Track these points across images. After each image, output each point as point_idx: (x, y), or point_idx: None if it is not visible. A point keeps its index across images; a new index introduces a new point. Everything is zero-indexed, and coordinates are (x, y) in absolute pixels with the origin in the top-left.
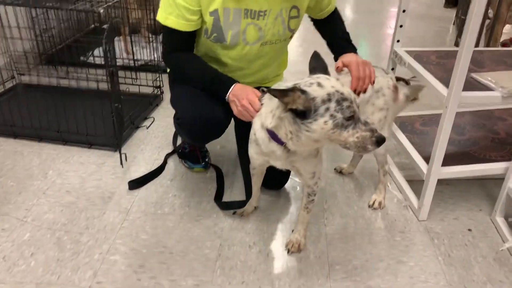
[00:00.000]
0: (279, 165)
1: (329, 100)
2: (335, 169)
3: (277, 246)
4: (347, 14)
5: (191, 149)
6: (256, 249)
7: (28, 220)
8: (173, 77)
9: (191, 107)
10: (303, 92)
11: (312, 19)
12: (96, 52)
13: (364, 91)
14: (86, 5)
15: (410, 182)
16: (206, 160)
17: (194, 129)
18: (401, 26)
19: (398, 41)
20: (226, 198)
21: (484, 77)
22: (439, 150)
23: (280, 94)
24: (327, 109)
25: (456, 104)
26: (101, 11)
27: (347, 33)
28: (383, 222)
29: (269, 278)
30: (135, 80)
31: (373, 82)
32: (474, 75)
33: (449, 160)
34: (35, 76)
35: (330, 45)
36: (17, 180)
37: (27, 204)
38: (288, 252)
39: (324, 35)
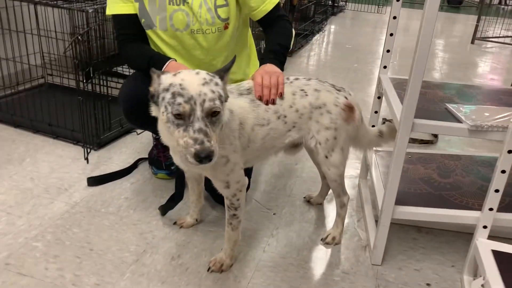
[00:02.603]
0: (178, 162)
1: (167, 90)
2: (304, 197)
3: (202, 262)
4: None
5: (158, 155)
6: (178, 261)
7: None
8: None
9: (128, 84)
10: (159, 76)
11: (258, 23)
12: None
13: (273, 102)
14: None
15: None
16: (172, 168)
17: (127, 104)
18: (388, 51)
19: (385, 67)
20: (177, 210)
21: (459, 109)
22: (392, 183)
23: (151, 73)
24: (163, 98)
25: (408, 130)
26: (90, 10)
27: (282, 45)
28: (329, 258)
29: None
30: None
31: (281, 94)
32: (449, 105)
33: (415, 200)
34: (60, 78)
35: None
36: None
37: None
38: (208, 270)
39: (265, 44)
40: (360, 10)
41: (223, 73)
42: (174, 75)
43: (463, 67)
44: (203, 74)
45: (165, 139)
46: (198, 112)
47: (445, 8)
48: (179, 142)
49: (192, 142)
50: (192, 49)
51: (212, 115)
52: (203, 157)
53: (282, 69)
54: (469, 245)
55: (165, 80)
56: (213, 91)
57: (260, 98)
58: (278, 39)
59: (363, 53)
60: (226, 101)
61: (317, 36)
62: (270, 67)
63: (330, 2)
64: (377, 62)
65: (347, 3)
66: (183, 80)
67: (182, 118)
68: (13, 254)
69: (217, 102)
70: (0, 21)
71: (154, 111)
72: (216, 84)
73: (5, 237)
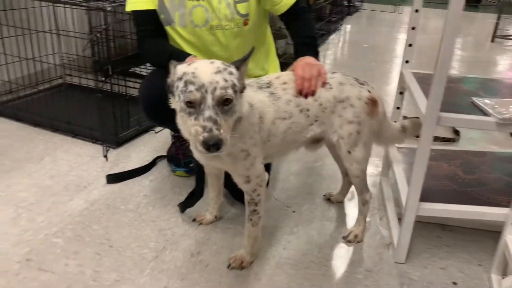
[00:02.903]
0: (198, 157)
1: (180, 79)
2: (324, 195)
3: (222, 259)
4: None
5: (176, 153)
6: (198, 258)
7: (2, 195)
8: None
9: (148, 81)
10: (176, 67)
11: (280, 18)
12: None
13: (313, 94)
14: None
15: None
16: (191, 166)
17: (146, 101)
18: (410, 45)
19: (407, 61)
20: (196, 207)
21: (485, 102)
22: (416, 179)
23: (170, 65)
24: (177, 87)
25: (433, 123)
26: (108, 8)
27: (312, 37)
28: (351, 256)
29: None
30: None
31: (324, 84)
32: (475, 99)
33: (440, 197)
34: (79, 78)
35: (294, 49)
36: (14, 161)
37: (9, 181)
38: (228, 267)
39: (291, 38)
40: (376, 10)
41: (239, 63)
42: (189, 64)
43: (483, 65)
44: (218, 63)
45: (183, 130)
46: (209, 100)
47: None
48: (191, 131)
49: (201, 130)
50: (210, 45)
51: (224, 103)
52: (211, 144)
53: (318, 60)
54: (496, 244)
55: (180, 69)
56: (226, 80)
57: (300, 92)
58: (307, 32)
59: (381, 52)
60: (242, 91)
61: (333, 36)
62: (310, 59)
63: (346, 2)
64: (395, 60)
65: (363, 3)
66: (196, 68)
67: (193, 106)
68: (34, 250)
69: (229, 91)
70: (20, 21)
71: (172, 102)
72: (231, 73)
73: (25, 234)
